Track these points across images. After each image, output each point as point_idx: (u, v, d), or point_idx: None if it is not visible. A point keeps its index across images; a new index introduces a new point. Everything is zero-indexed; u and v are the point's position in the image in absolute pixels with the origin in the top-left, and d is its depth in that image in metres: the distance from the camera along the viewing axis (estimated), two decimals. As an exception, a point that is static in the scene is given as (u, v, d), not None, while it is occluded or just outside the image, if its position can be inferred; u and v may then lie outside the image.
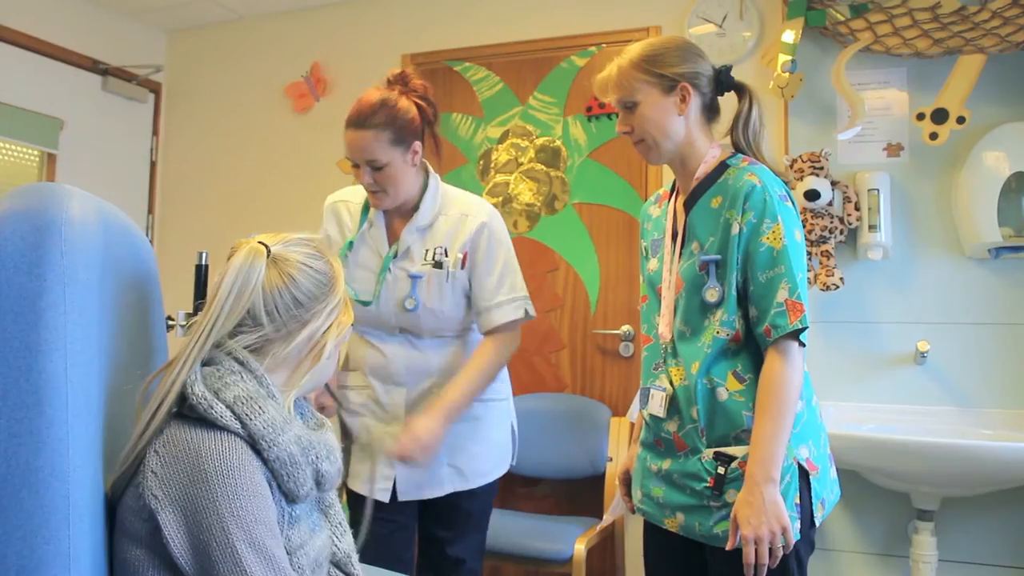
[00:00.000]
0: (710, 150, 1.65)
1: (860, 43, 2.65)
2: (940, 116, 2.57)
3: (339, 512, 1.29)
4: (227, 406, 1.07)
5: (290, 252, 1.19)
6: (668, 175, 3.02)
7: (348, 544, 1.29)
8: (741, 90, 1.67)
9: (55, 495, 0.99)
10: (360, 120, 1.88)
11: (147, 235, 3.84)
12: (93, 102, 3.60)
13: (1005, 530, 2.49)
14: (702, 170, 1.63)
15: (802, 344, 1.52)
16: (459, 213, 2.01)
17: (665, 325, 1.65)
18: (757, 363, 1.56)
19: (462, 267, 1.97)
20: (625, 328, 3.09)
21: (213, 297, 1.14)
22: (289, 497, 1.11)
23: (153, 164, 3.90)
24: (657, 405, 1.64)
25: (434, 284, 1.97)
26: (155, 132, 3.91)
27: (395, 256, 1.99)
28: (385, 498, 1.95)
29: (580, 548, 2.58)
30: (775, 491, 1.45)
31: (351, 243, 2.02)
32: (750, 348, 1.57)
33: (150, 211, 3.89)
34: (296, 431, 1.11)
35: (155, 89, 3.89)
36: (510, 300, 1.98)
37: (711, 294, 1.56)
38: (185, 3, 3.63)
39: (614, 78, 1.63)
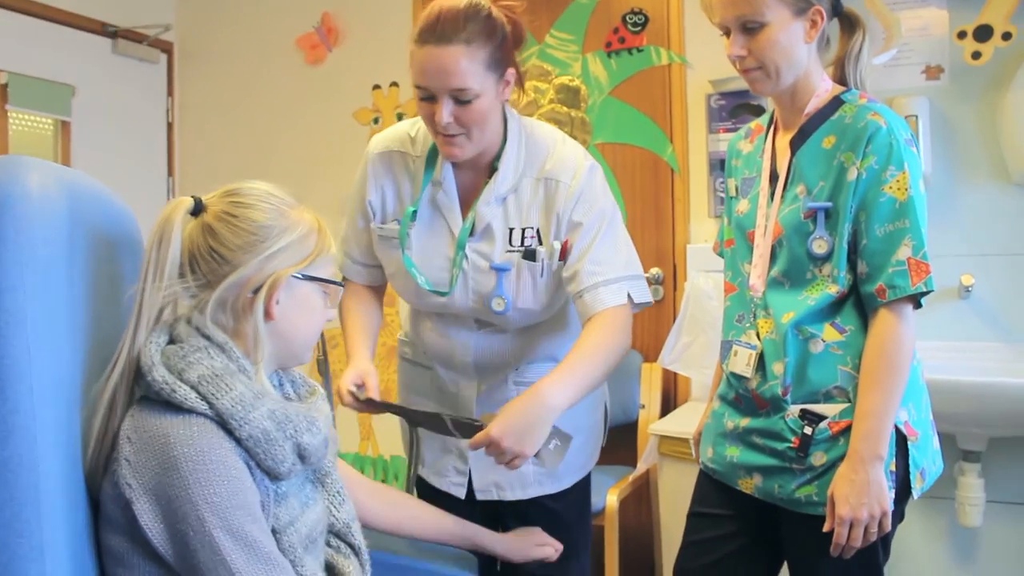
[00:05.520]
0: (822, 83, 1.47)
1: (894, -42, 2.48)
2: (983, 34, 2.40)
3: (337, 480, 1.24)
4: (192, 387, 1.01)
5: (219, 202, 1.11)
6: (695, 111, 2.90)
7: (348, 513, 1.23)
8: (855, 21, 1.48)
9: (24, 486, 0.94)
10: (444, 31, 1.38)
11: (167, 197, 3.81)
12: (104, 66, 3.54)
13: (1057, 469, 2.38)
14: (813, 104, 1.46)
15: (918, 306, 1.38)
16: (549, 176, 1.54)
17: (758, 276, 1.49)
18: (859, 313, 1.42)
19: (560, 258, 1.54)
20: (654, 271, 2.99)
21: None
22: (271, 475, 1.05)
23: (170, 125, 3.85)
24: (743, 364, 1.50)
25: (526, 279, 1.55)
26: (170, 93, 3.85)
27: (471, 233, 1.55)
28: (460, 494, 1.67)
29: (612, 500, 2.53)
30: (880, 470, 1.34)
31: (414, 212, 1.57)
32: (852, 298, 1.43)
33: (170, 173, 3.85)
34: (270, 405, 1.04)
35: (167, 49, 3.81)
36: (606, 282, 1.50)
37: (819, 245, 1.41)
38: (190, -43, 3.54)
39: None
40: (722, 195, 1.91)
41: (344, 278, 1.71)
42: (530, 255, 1.54)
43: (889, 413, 1.36)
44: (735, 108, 2.81)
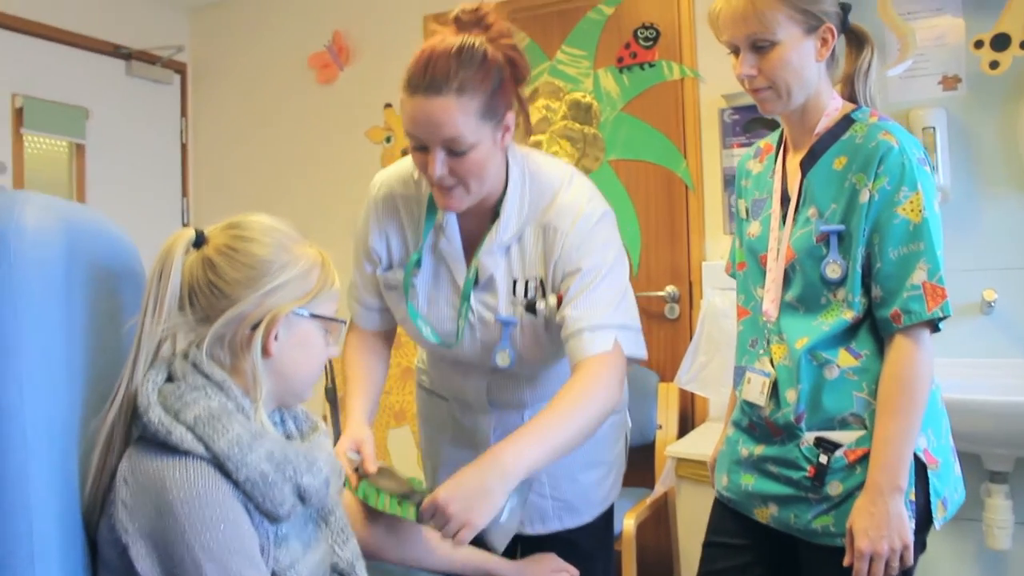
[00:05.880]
0: (831, 101, 1.43)
1: (909, -32, 2.44)
2: (1001, 42, 2.35)
3: (340, 517, 1.21)
4: (188, 428, 0.99)
5: (220, 235, 1.10)
6: (708, 126, 2.86)
7: (352, 551, 1.20)
8: (863, 37, 1.44)
9: (17, 529, 0.93)
10: (434, 80, 1.28)
11: (183, 219, 3.82)
12: (118, 88, 3.57)
13: (1087, 489, 2.31)
14: (823, 124, 1.42)
15: (936, 329, 1.34)
16: (548, 224, 1.44)
17: (771, 302, 1.45)
18: (875, 337, 1.38)
19: (559, 307, 1.45)
20: (670, 289, 2.96)
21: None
22: (270, 517, 1.02)
23: (184, 146, 3.87)
24: (756, 392, 1.46)
25: (529, 334, 1.47)
26: (183, 113, 3.86)
27: (475, 282, 1.47)
28: None
29: (630, 524, 2.48)
30: (900, 502, 1.30)
31: (418, 260, 1.50)
32: (867, 322, 1.38)
33: (184, 194, 3.86)
34: (268, 446, 1.02)
35: (180, 70, 3.84)
36: (591, 328, 1.37)
37: (832, 270, 1.37)
38: (202, -21, 3.56)
39: (751, 11, 1.35)
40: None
41: (353, 324, 1.64)
42: (531, 308, 1.46)
43: (908, 442, 1.32)
44: (749, 123, 2.77)
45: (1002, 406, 2.02)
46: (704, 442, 2.47)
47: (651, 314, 3.00)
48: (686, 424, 2.89)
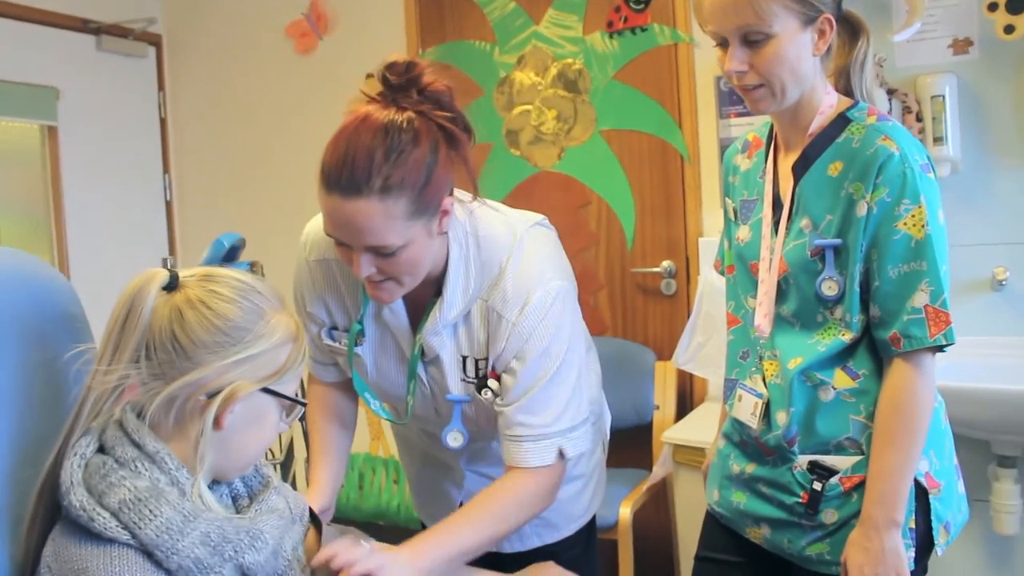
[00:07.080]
0: (826, 97, 1.31)
1: (916, -78, 2.27)
2: (1017, 5, 2.19)
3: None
4: (112, 514, 0.89)
5: (195, 285, 0.98)
6: (704, 94, 2.72)
7: None
8: (858, 26, 1.32)
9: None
10: (353, 180, 1.13)
11: (165, 196, 3.71)
12: (89, 65, 3.40)
13: (1100, 472, 2.23)
14: (817, 123, 1.30)
15: (940, 350, 1.24)
16: (491, 307, 1.30)
17: (763, 316, 1.35)
18: (874, 355, 1.29)
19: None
20: (666, 264, 2.84)
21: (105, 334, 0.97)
22: None
23: (163, 121, 3.72)
24: (747, 412, 1.37)
25: (483, 411, 1.37)
26: (161, 88, 3.71)
27: (422, 354, 1.36)
28: None
29: (626, 512, 2.41)
30: (897, 536, 1.23)
31: (361, 328, 1.36)
32: (865, 340, 1.29)
33: (166, 170, 3.73)
34: (203, 528, 0.92)
35: (155, 42, 3.67)
36: (534, 438, 1.28)
37: (828, 287, 1.27)
38: (171, -55, 3.38)
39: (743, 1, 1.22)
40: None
41: (312, 377, 1.54)
42: (482, 388, 1.34)
43: (906, 474, 1.24)
44: (746, 91, 2.63)
45: (1011, 395, 1.94)
46: (703, 426, 2.39)
47: (647, 290, 2.89)
48: (684, 404, 2.80)
